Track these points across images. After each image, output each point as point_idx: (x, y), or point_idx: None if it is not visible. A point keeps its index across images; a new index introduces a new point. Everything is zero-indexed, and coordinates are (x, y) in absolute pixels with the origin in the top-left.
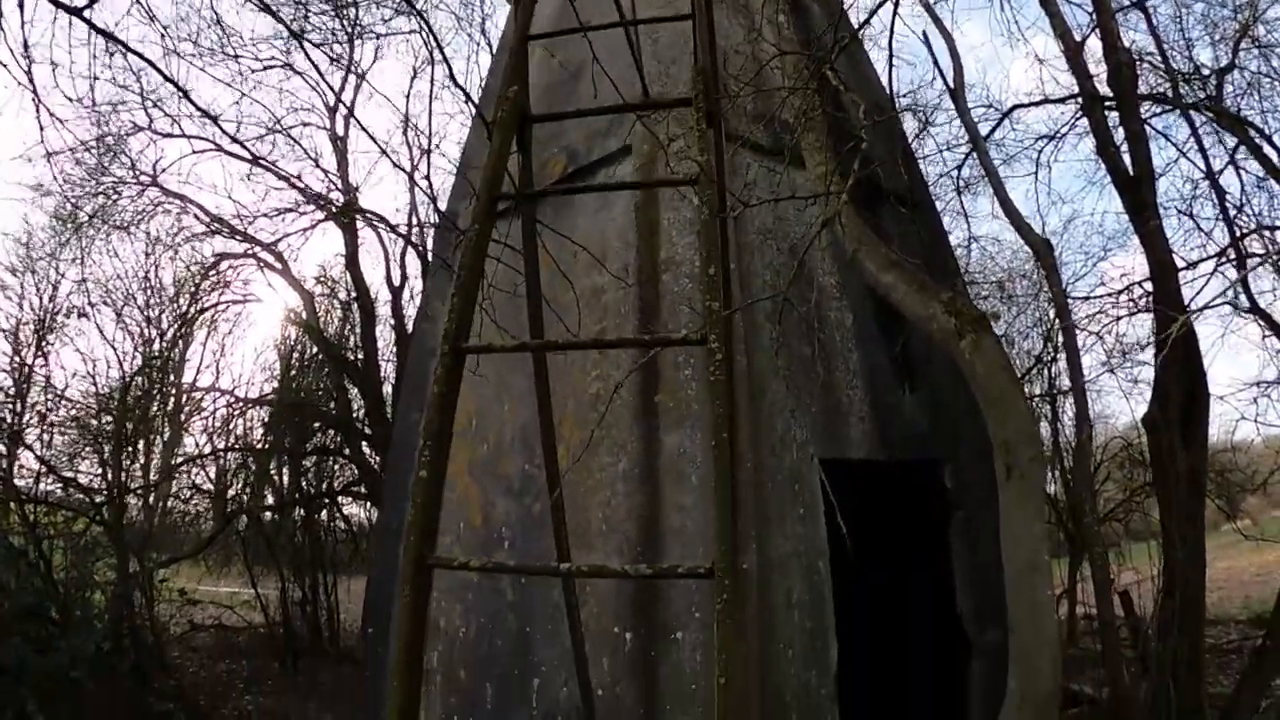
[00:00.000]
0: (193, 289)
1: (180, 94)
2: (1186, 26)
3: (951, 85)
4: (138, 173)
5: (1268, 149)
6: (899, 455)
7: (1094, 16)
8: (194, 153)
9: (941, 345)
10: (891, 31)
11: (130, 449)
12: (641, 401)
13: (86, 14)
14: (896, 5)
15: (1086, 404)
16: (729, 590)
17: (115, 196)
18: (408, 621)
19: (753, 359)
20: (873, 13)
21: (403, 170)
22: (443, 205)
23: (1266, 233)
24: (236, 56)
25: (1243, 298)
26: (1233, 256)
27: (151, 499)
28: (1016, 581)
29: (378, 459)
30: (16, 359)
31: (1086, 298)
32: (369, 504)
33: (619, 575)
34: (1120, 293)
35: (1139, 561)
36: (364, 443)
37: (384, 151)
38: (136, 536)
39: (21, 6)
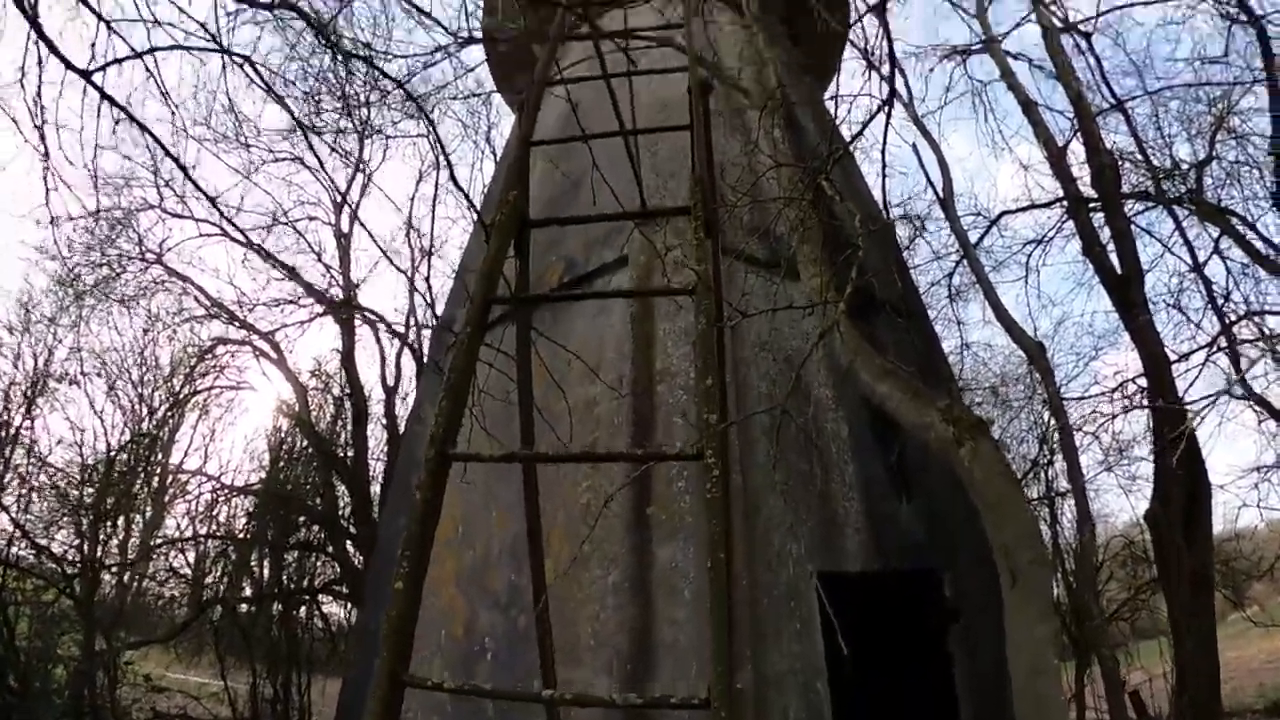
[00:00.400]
0: (187, 370)
1: (185, 177)
2: (1164, 123)
3: (941, 195)
4: (144, 249)
5: (1251, 235)
6: (896, 565)
7: (1075, 122)
8: (200, 235)
9: (939, 453)
10: (884, 145)
11: (109, 524)
12: (633, 514)
13: (95, 78)
14: (888, 120)
15: (1087, 504)
16: None
17: (119, 270)
18: None
19: (748, 474)
20: (865, 125)
21: (402, 272)
22: (440, 308)
23: (1256, 318)
24: (248, 145)
25: (1237, 386)
26: (1224, 344)
27: (126, 578)
28: (1024, 684)
29: (361, 558)
30: (4, 417)
31: (1081, 398)
32: (349, 604)
33: (605, 704)
34: (1114, 390)
35: (1148, 660)
36: (348, 541)
37: (385, 254)
38: (107, 614)
39: (41, 65)
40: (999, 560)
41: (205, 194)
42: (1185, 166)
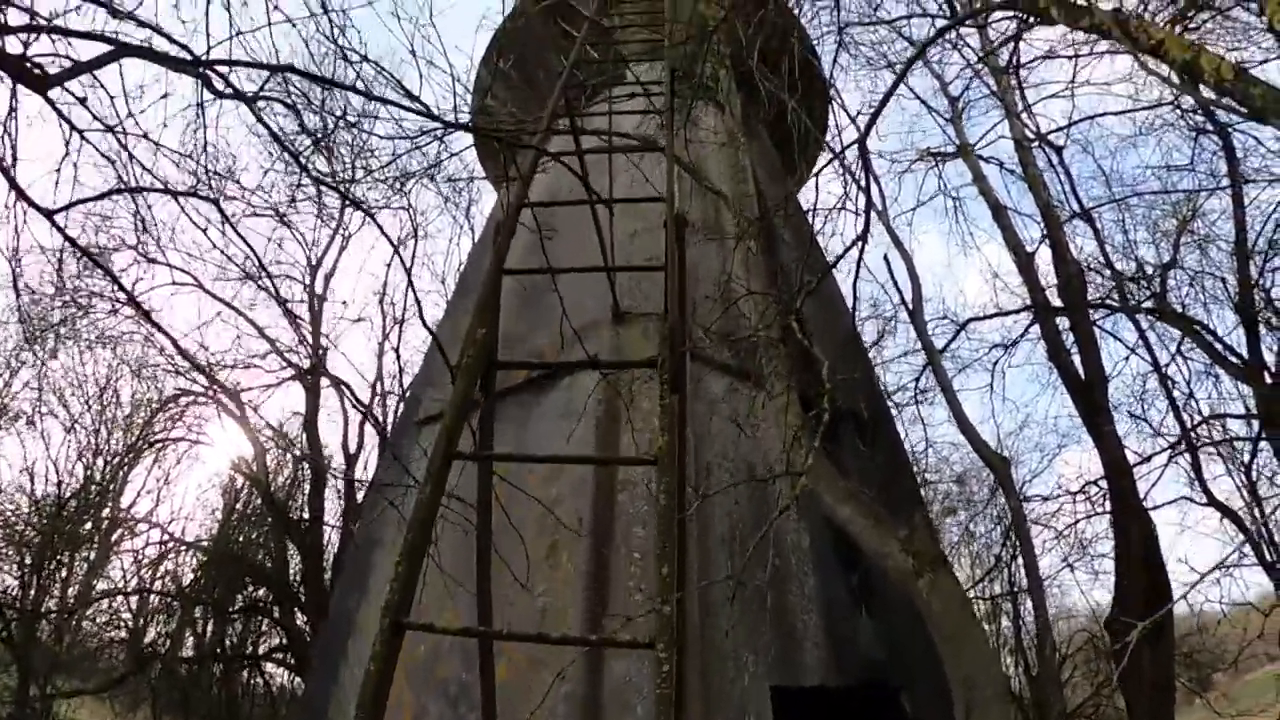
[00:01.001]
0: (146, 417)
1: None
2: (1131, 229)
3: (910, 306)
4: (115, 291)
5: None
6: (855, 681)
7: (1044, 229)
8: (173, 283)
9: (898, 581)
10: (857, 271)
11: (53, 566)
12: (589, 624)
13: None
14: (862, 251)
15: (1047, 612)
16: None
17: (88, 309)
18: None
19: (707, 587)
20: (839, 258)
21: (390, 343)
22: (409, 376)
23: (1217, 421)
24: (217, 202)
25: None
26: (1184, 448)
27: (66, 624)
28: None
29: (309, 625)
30: None
31: (1046, 498)
32: (293, 673)
33: None
34: (1078, 493)
35: None
36: (296, 607)
37: (357, 319)
38: (43, 659)
39: (14, 112)
40: (955, 691)
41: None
42: (1150, 270)
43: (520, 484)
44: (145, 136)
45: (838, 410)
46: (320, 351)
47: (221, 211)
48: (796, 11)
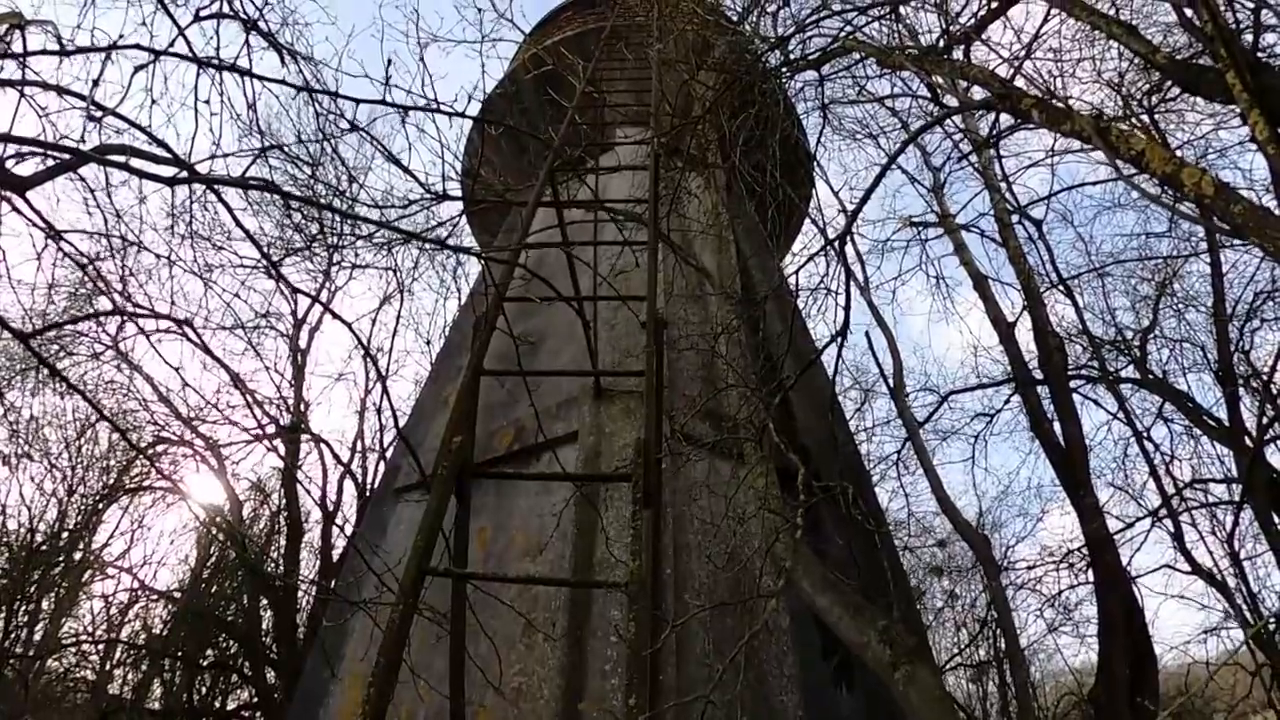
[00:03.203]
0: (124, 463)
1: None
2: (1110, 296)
3: (891, 383)
4: (98, 333)
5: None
6: None
7: (1025, 301)
8: (158, 331)
9: (876, 671)
10: (838, 362)
11: (22, 608)
12: (563, 705)
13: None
14: (844, 338)
15: (1029, 689)
16: None
17: (69, 351)
18: None
19: (683, 666)
20: (818, 355)
21: (384, 406)
22: (389, 435)
23: (1198, 486)
24: (209, 251)
25: (1182, 561)
26: (1165, 514)
27: (29, 666)
28: None
29: (280, 684)
30: None
31: (1030, 566)
32: None
33: None
34: (1060, 561)
35: None
36: (267, 664)
37: (339, 376)
38: (9, 702)
39: None
40: None
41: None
42: (1130, 335)
43: (500, 561)
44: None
45: (817, 493)
46: (302, 406)
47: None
48: (782, 97)
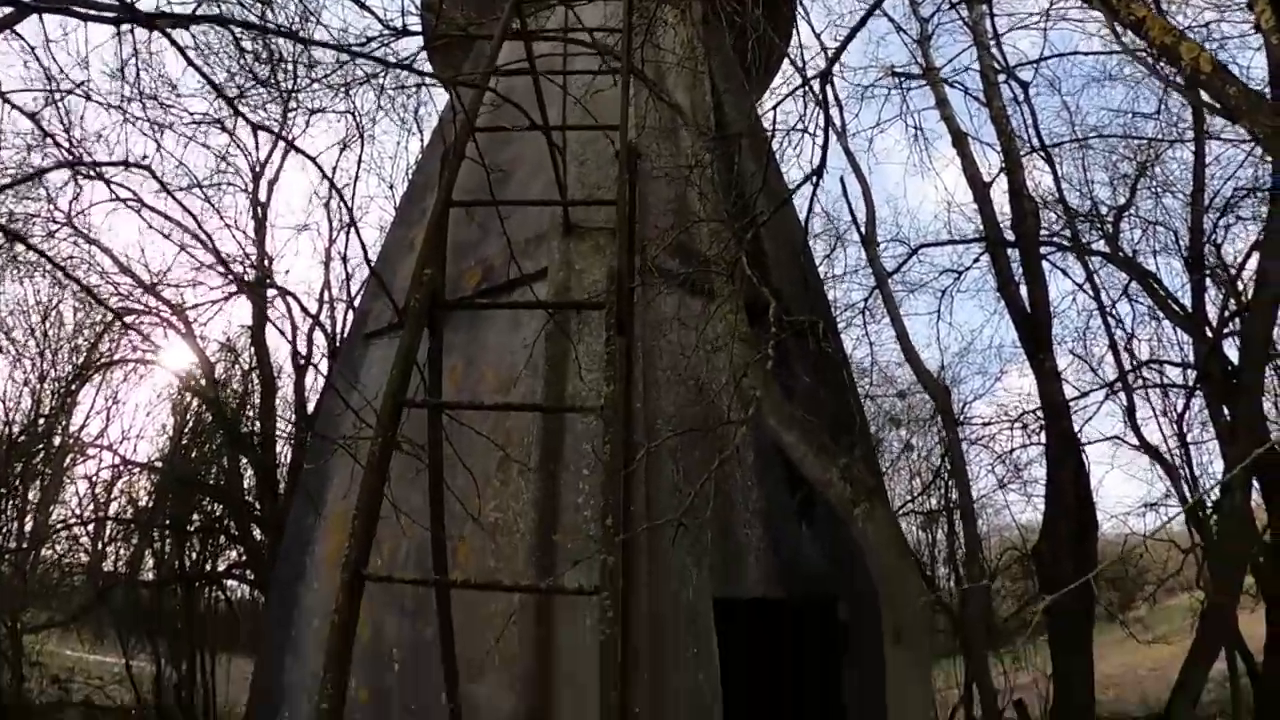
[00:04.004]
0: (92, 340)
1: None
2: (1088, 169)
3: (864, 231)
4: (52, 209)
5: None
6: (795, 592)
7: (1003, 162)
8: (113, 199)
9: (836, 508)
10: (811, 205)
11: (8, 503)
12: (539, 538)
13: None
14: (819, 180)
15: (979, 544)
16: None
17: (25, 231)
18: None
19: (653, 495)
20: (796, 188)
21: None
22: (356, 283)
23: (1154, 367)
24: (159, 112)
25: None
26: (1120, 388)
27: (26, 558)
28: None
29: (266, 540)
30: None
31: (986, 423)
32: (252, 588)
33: None
34: (1015, 421)
35: (1039, 661)
36: (253, 522)
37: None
38: (8, 596)
39: None
40: (885, 616)
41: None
42: (1105, 211)
43: (472, 397)
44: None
45: (786, 329)
46: (266, 261)
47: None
48: None
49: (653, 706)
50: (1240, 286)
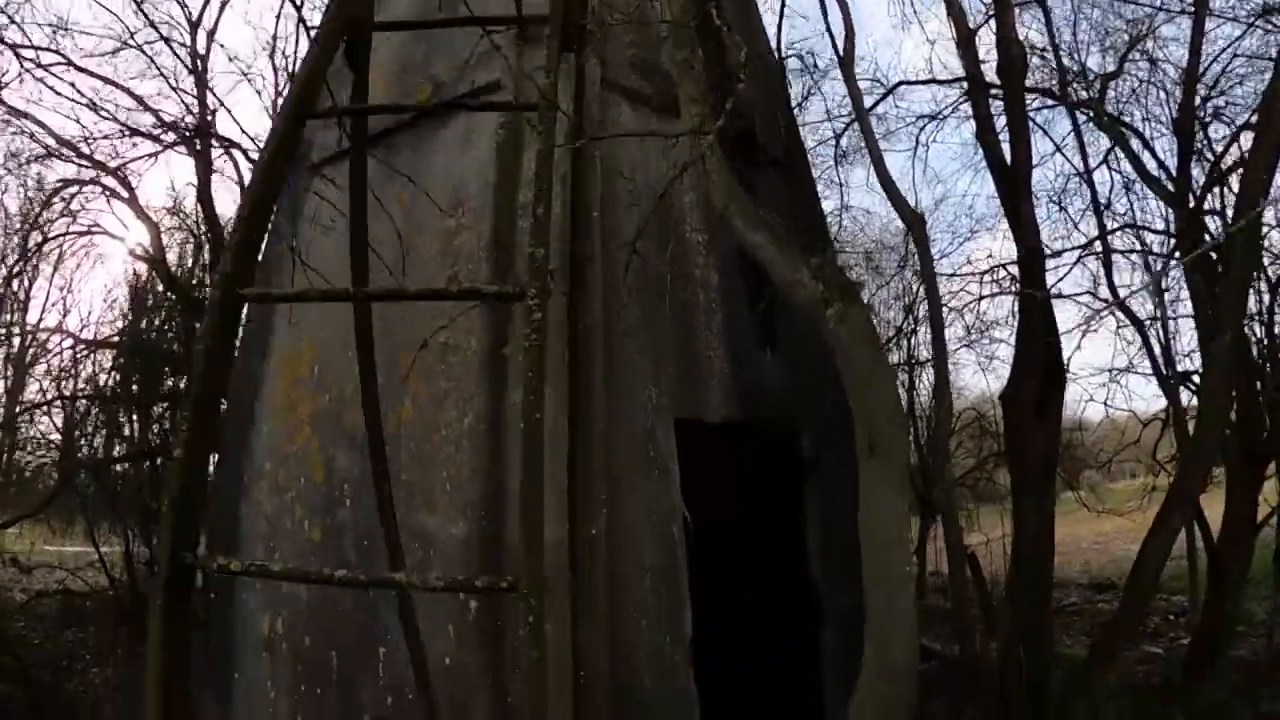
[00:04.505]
0: (34, 218)
1: None
2: (1079, 29)
3: (841, 53)
4: None
5: (1144, 153)
6: (758, 416)
7: (992, 6)
8: (40, 66)
9: (807, 313)
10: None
11: None
12: (491, 355)
13: None
14: None
15: (947, 372)
16: (534, 611)
17: None
18: (161, 639)
19: (610, 311)
20: None
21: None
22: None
23: (1132, 230)
24: None
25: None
26: (1099, 249)
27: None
28: (874, 558)
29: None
30: None
31: (953, 275)
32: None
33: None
34: (985, 273)
35: (986, 524)
36: None
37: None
38: None
39: None
40: (858, 428)
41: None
42: (1092, 76)
43: (422, 215)
44: None
45: (753, 137)
46: (209, 114)
47: None
48: None
49: (611, 528)
50: (1226, 168)
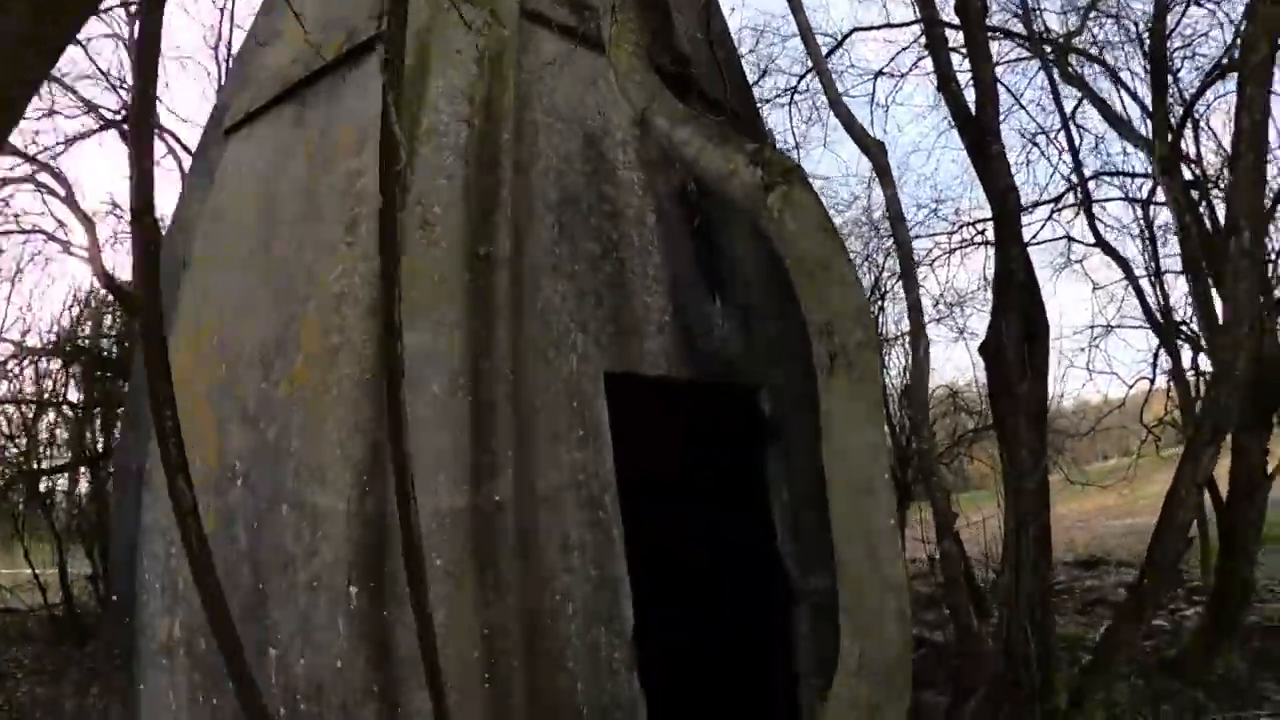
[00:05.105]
0: None
1: None
2: None
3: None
4: None
5: (1114, 98)
6: (706, 372)
7: None
8: None
9: (746, 207)
10: None
11: None
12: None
13: None
14: None
15: (920, 304)
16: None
17: None
18: None
19: (525, 248)
20: None
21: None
22: None
23: (1109, 179)
24: None
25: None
26: (1079, 197)
27: None
28: (846, 509)
29: None
30: None
31: (918, 237)
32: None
33: None
34: (954, 232)
35: (963, 509)
36: None
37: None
38: None
39: None
40: (816, 343)
41: None
42: (1055, 35)
43: (328, 161)
44: None
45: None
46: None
47: None
48: None
49: (523, 501)
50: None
